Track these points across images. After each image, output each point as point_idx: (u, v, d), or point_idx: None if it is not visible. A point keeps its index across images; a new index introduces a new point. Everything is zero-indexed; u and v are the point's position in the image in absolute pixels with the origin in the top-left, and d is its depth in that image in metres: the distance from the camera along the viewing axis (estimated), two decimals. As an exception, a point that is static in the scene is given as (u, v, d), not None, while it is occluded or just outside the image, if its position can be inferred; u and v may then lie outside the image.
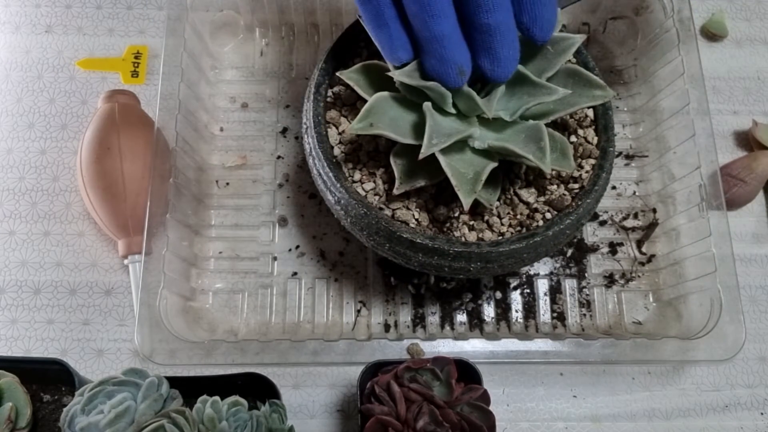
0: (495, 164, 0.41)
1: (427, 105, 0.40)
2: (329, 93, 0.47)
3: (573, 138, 0.46)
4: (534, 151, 0.39)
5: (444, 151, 0.39)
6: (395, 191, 0.42)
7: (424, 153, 0.38)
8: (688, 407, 0.52)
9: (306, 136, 0.47)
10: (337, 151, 0.45)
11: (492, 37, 0.37)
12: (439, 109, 0.41)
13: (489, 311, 0.53)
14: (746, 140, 0.60)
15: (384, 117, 0.40)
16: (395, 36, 0.38)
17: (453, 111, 0.41)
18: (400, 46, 0.38)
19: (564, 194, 0.44)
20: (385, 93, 0.41)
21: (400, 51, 0.38)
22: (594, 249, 0.55)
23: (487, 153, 0.41)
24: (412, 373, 0.43)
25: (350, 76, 0.42)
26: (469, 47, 0.38)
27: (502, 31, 0.37)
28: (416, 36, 0.38)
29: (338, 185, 0.43)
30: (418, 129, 0.40)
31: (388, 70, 0.40)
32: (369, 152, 0.45)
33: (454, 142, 0.39)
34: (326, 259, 0.55)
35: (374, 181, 0.44)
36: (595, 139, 0.46)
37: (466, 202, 0.39)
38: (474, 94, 0.40)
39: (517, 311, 0.53)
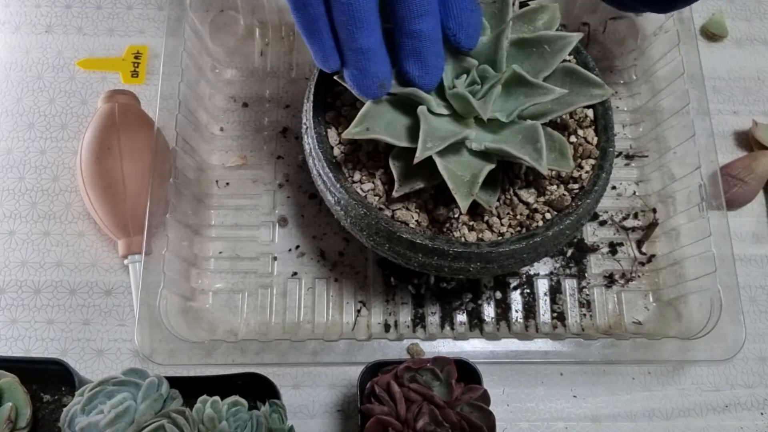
0: (492, 166, 0.41)
1: (422, 109, 0.40)
2: (329, 93, 0.47)
3: (573, 138, 0.46)
4: (531, 153, 0.39)
5: (441, 153, 0.39)
6: (394, 194, 0.42)
7: (419, 157, 0.38)
8: (688, 407, 0.52)
9: (306, 137, 0.47)
10: (336, 151, 0.45)
11: (422, 44, 0.38)
12: (435, 112, 0.41)
13: (489, 311, 0.53)
14: (746, 140, 0.60)
15: (380, 121, 0.40)
16: (327, 45, 0.39)
17: (447, 112, 0.41)
18: (331, 55, 0.39)
19: (564, 194, 0.44)
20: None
21: (330, 60, 0.39)
22: (594, 249, 0.55)
23: (484, 154, 0.41)
24: (412, 373, 0.43)
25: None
26: (397, 54, 0.39)
27: (431, 38, 0.38)
28: (341, 46, 0.39)
29: (338, 186, 0.43)
30: (415, 132, 0.40)
31: None
32: (368, 152, 0.45)
33: (451, 144, 0.39)
34: (326, 259, 0.55)
35: (373, 182, 0.44)
36: (595, 139, 0.46)
37: (464, 206, 0.39)
38: (469, 95, 0.40)
39: (517, 311, 0.53)
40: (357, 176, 0.44)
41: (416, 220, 0.44)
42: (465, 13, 0.38)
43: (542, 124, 0.41)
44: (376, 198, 0.44)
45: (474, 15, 0.39)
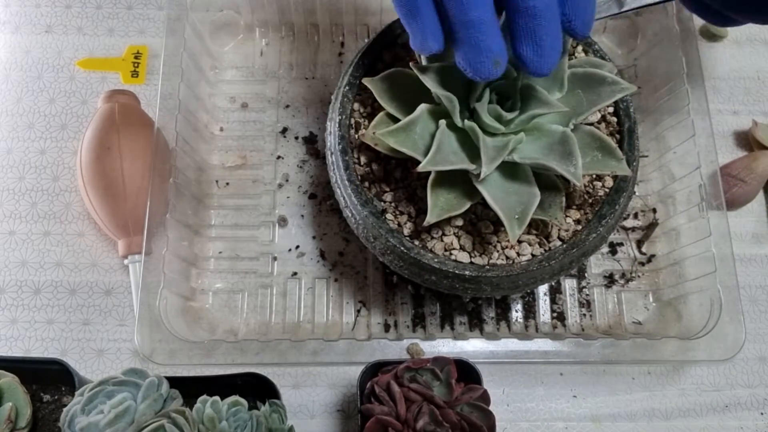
0: (538, 195, 0.40)
1: (471, 125, 0.39)
2: (354, 111, 0.46)
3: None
4: (566, 166, 0.38)
5: (484, 180, 0.39)
6: (425, 223, 0.41)
7: (486, 172, 0.37)
8: (688, 407, 0.52)
9: (331, 158, 0.46)
10: (360, 170, 0.45)
11: (536, 22, 0.34)
12: (487, 129, 0.40)
13: (489, 311, 0.53)
14: (746, 140, 0.60)
15: (446, 151, 0.40)
16: (428, 23, 0.35)
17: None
18: (431, 35, 0.36)
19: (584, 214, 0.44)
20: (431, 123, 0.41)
21: (430, 40, 0.36)
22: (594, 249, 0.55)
23: (523, 174, 0.40)
24: (412, 373, 0.43)
25: (380, 139, 0.41)
26: (510, 37, 0.36)
27: (546, 15, 0.34)
28: (451, 22, 0.35)
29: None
30: (467, 154, 0.40)
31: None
32: (385, 171, 0.45)
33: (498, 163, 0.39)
34: (326, 259, 0.55)
35: (399, 210, 0.44)
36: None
37: (514, 234, 0.39)
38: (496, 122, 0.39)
39: (517, 311, 0.53)
40: (373, 191, 0.44)
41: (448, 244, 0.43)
42: None
43: (578, 124, 0.40)
44: (402, 226, 0.44)
45: (591, 2, 0.36)
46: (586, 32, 0.36)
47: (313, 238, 0.55)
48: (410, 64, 0.39)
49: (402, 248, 0.42)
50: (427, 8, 0.35)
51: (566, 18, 0.35)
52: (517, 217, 0.39)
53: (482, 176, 0.38)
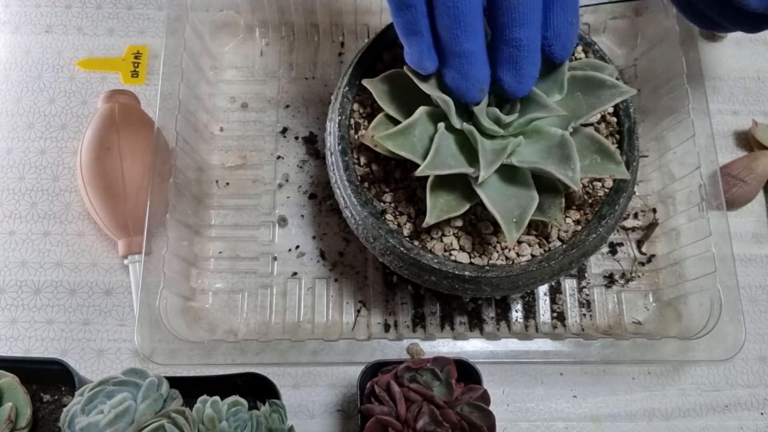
0: (536, 198, 0.40)
1: (470, 128, 0.39)
2: (354, 113, 0.46)
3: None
4: (564, 170, 0.38)
5: (483, 183, 0.39)
6: (424, 225, 0.41)
7: (483, 176, 0.37)
8: (688, 407, 0.52)
9: (330, 158, 0.46)
10: (360, 170, 0.44)
11: (519, 52, 0.37)
12: (487, 132, 0.40)
13: (489, 311, 0.53)
14: (746, 140, 0.60)
15: (444, 155, 0.40)
16: (425, 46, 0.38)
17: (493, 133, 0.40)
18: (429, 57, 0.38)
19: (585, 215, 0.44)
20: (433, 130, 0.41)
21: (427, 61, 0.38)
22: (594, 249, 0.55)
23: (522, 177, 0.40)
24: (412, 373, 0.43)
25: (380, 140, 0.41)
26: (492, 61, 0.38)
27: (529, 47, 0.37)
28: (443, 49, 0.37)
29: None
30: (465, 156, 0.40)
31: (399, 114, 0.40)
32: (386, 172, 0.45)
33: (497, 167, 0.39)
34: (326, 259, 0.55)
35: (399, 209, 0.44)
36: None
37: (511, 238, 0.39)
38: (487, 121, 0.39)
39: (517, 311, 0.53)
40: (373, 192, 0.44)
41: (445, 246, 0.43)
42: (564, 25, 0.38)
43: (577, 126, 0.40)
44: (402, 226, 0.44)
45: (572, 28, 0.38)
46: (565, 56, 0.39)
47: (313, 238, 0.55)
48: (404, 67, 0.39)
49: (402, 249, 0.42)
50: (427, 31, 0.37)
51: (547, 42, 0.38)
52: (515, 220, 0.39)
53: (480, 180, 0.38)
